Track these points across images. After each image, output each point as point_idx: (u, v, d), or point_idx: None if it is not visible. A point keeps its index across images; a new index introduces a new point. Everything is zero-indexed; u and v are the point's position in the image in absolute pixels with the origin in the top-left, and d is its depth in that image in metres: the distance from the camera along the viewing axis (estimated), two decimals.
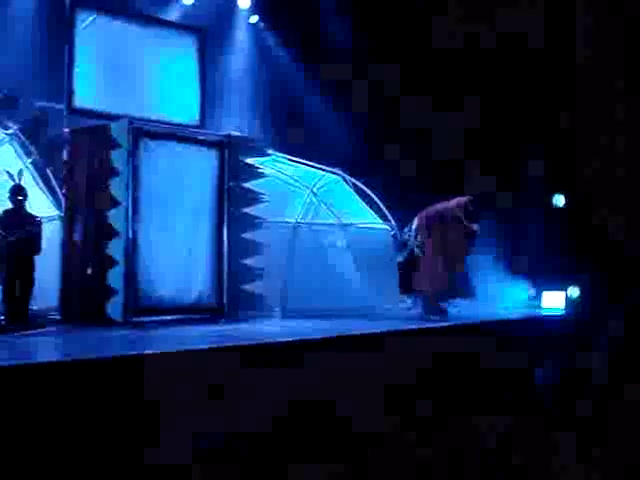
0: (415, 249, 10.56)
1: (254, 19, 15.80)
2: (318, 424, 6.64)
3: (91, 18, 9.85)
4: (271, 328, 9.33)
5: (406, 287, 10.82)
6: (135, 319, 8.95)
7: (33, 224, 8.76)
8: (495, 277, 12.29)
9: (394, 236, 11.86)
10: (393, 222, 12.11)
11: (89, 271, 9.10)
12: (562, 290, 12.58)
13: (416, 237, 10.62)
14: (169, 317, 9.26)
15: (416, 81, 13.80)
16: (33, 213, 8.97)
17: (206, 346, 6.95)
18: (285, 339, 7.60)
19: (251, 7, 15.53)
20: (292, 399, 6.57)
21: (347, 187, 12.30)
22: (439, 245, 10.35)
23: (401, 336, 8.53)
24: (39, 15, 12.42)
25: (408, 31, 13.86)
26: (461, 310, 10.77)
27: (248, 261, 10.13)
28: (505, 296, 12.45)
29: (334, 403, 6.84)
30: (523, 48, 12.87)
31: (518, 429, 7.01)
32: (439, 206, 10.62)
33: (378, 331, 8.45)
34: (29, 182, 9.64)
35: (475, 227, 10.38)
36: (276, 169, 11.63)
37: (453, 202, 10.53)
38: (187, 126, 10.31)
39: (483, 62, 13.36)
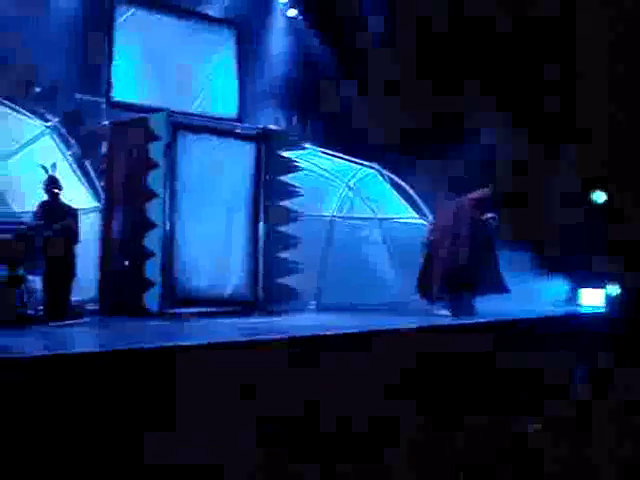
0: (426, 247, 10.52)
1: (292, 12, 15.79)
2: (347, 420, 6.64)
3: (130, 12, 9.95)
4: (305, 322, 9.34)
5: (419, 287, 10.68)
6: (171, 311, 9.03)
7: (69, 215, 8.86)
8: (530, 274, 12.15)
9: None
10: (430, 216, 12.04)
11: (126, 263, 9.20)
12: (601, 288, 12.38)
13: (430, 234, 10.59)
14: (204, 309, 9.32)
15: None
16: (69, 204, 9.08)
17: (241, 339, 6.98)
18: (319, 333, 7.60)
19: (289, 0, 15.53)
20: (322, 394, 6.57)
21: (383, 181, 12.26)
22: (448, 242, 10.22)
23: (433, 332, 8.47)
24: (79, 9, 12.55)
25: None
26: (497, 306, 10.66)
27: (283, 254, 10.15)
28: (541, 293, 12.30)
29: (364, 399, 6.83)
30: None
31: (553, 429, 6.93)
32: (455, 201, 10.52)
33: (413, 327, 8.40)
34: (68, 174, 9.77)
35: (489, 215, 10.19)
36: (312, 163, 11.63)
37: (469, 195, 10.42)
38: (225, 119, 10.37)
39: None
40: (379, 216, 11.59)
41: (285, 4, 15.60)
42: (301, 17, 15.74)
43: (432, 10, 13.73)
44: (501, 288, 10.22)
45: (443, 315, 10.04)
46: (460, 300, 10.16)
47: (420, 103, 14.08)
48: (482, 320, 9.53)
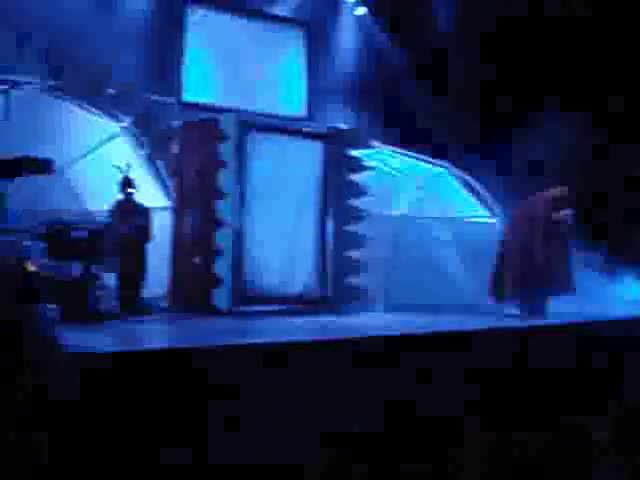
0: (500, 247, 10.32)
1: (361, 11, 15.75)
2: (414, 423, 6.56)
3: (201, 13, 10.05)
4: (374, 321, 9.28)
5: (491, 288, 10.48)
6: (240, 308, 9.09)
7: (143, 214, 9.03)
8: (604, 273, 11.83)
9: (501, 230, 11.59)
10: (501, 216, 11.83)
11: (197, 260, 9.30)
12: None
13: (503, 234, 10.40)
14: (273, 307, 9.36)
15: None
16: (143, 203, 9.24)
17: (310, 338, 6.97)
18: (387, 333, 7.53)
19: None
20: (391, 396, 6.50)
21: (453, 180, 12.10)
22: (521, 242, 10.00)
23: (502, 334, 8.30)
24: (151, 10, 12.76)
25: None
26: (570, 308, 10.40)
27: (352, 254, 10.11)
28: (615, 293, 11.96)
29: (432, 401, 6.74)
30: None
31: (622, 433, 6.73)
32: (529, 200, 10.28)
33: (483, 328, 8.25)
34: (141, 174, 9.93)
35: (564, 214, 9.92)
36: (381, 161, 11.56)
37: (544, 194, 10.17)
38: (294, 119, 10.38)
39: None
40: (449, 215, 11.44)
41: (353, 2, 15.58)
42: (370, 15, 15.69)
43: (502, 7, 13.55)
44: (573, 289, 9.99)
45: (514, 315, 9.85)
46: (532, 301, 9.95)
47: (488, 101, 13.92)
48: (556, 322, 9.31)
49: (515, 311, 9.98)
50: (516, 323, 9.25)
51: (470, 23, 14.21)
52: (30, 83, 9.25)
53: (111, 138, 10.26)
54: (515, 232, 10.20)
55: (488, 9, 13.73)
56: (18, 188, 7.52)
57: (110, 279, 8.81)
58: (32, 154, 7.16)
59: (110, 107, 10.26)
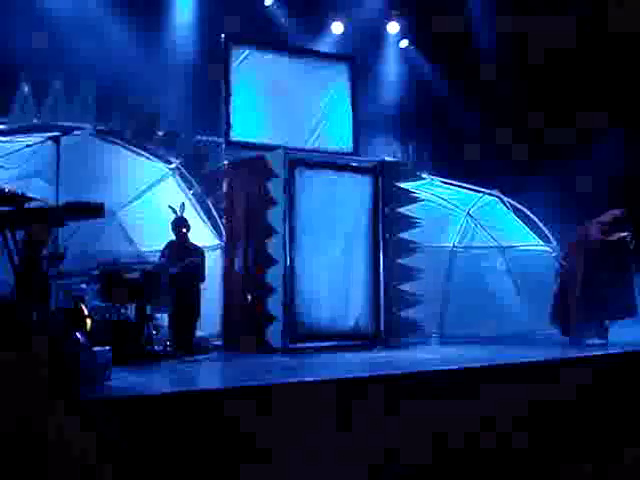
0: (560, 274, 10.10)
1: (404, 43, 15.80)
2: (474, 455, 6.40)
3: (245, 53, 10.17)
4: (429, 355, 9.13)
5: (554, 316, 10.23)
6: (293, 346, 9.04)
7: (196, 254, 9.09)
8: None
9: (556, 258, 11.37)
10: (555, 243, 11.62)
11: (249, 298, 9.30)
12: None
13: (563, 261, 10.17)
14: (326, 344, 9.29)
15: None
16: (196, 243, 9.31)
17: (365, 374, 6.87)
18: (444, 367, 7.39)
19: (400, 32, 15.56)
20: (449, 429, 6.37)
21: (505, 208, 11.95)
22: (579, 268, 9.77)
23: (564, 365, 8.08)
24: (195, 53, 13.00)
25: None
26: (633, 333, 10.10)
27: (404, 287, 10.01)
28: None
29: (495, 434, 6.58)
30: None
31: None
32: (585, 226, 10.06)
33: (541, 359, 8.05)
34: (191, 213, 10.02)
35: (622, 236, 9.67)
36: (431, 192, 11.48)
37: (600, 218, 9.94)
38: (341, 153, 10.39)
39: None
40: (502, 244, 11.28)
41: (396, 35, 15.64)
42: (413, 47, 15.73)
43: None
44: (634, 313, 9.72)
45: (576, 344, 9.60)
46: (593, 328, 9.71)
47: (536, 123, 13.78)
48: (619, 350, 9.02)
49: (577, 340, 9.74)
50: (579, 352, 9.00)
51: (517, 53, 14.14)
52: (80, 129, 9.46)
53: (161, 180, 10.39)
54: (572, 259, 10.00)
55: (536, 40, 13.65)
56: (72, 231, 7.65)
57: (164, 319, 8.87)
58: (84, 199, 7.26)
59: (160, 149, 10.43)
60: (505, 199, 12.00)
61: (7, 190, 6.72)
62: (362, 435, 5.95)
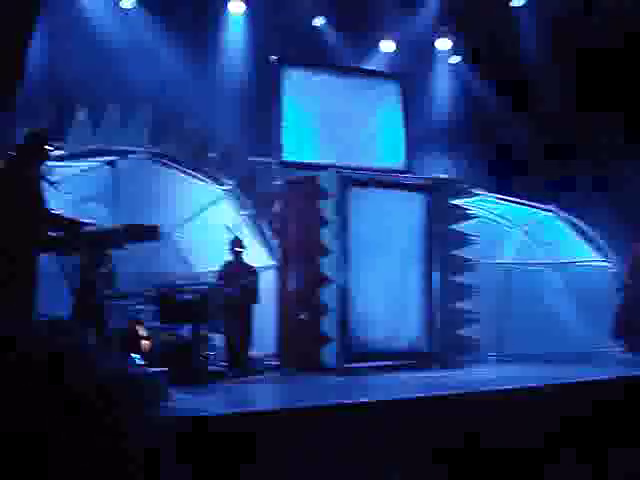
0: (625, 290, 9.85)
1: (455, 59, 15.73)
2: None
3: (295, 74, 10.22)
4: (487, 375, 8.99)
5: (619, 331, 9.98)
6: (348, 366, 8.98)
7: (251, 274, 9.14)
8: None
9: (616, 273, 11.12)
10: (614, 259, 11.36)
11: (302, 316, 9.29)
12: None
13: (628, 276, 9.93)
14: (381, 363, 9.21)
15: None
16: (251, 264, 9.35)
17: (423, 394, 6.79)
18: (503, 387, 7.25)
19: (451, 48, 15.50)
20: (510, 448, 6.24)
21: (562, 224, 11.73)
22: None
23: (629, 382, 7.86)
24: (247, 75, 13.15)
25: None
26: None
27: (460, 305, 9.89)
28: None
29: (557, 453, 6.43)
30: None
31: None
32: None
33: (605, 378, 7.85)
34: (245, 234, 10.08)
35: None
36: (485, 209, 11.34)
37: None
38: (393, 171, 10.34)
39: None
40: (559, 261, 11.07)
41: (447, 51, 15.58)
42: (463, 63, 15.64)
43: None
44: None
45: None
46: None
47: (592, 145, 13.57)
48: None
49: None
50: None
51: (567, 68, 13.95)
52: (135, 152, 9.61)
53: (215, 201, 10.49)
54: (634, 274, 9.79)
55: (587, 56, 13.45)
56: (128, 253, 7.75)
57: (219, 340, 8.92)
58: (139, 221, 7.37)
59: (214, 171, 10.54)
60: (562, 214, 11.79)
61: (65, 215, 6.86)
62: (420, 455, 5.87)
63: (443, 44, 15.43)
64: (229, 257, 9.26)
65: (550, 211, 11.77)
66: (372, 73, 11.82)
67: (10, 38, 5.07)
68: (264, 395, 7.91)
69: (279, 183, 9.93)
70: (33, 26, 5.78)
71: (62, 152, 8.89)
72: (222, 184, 10.57)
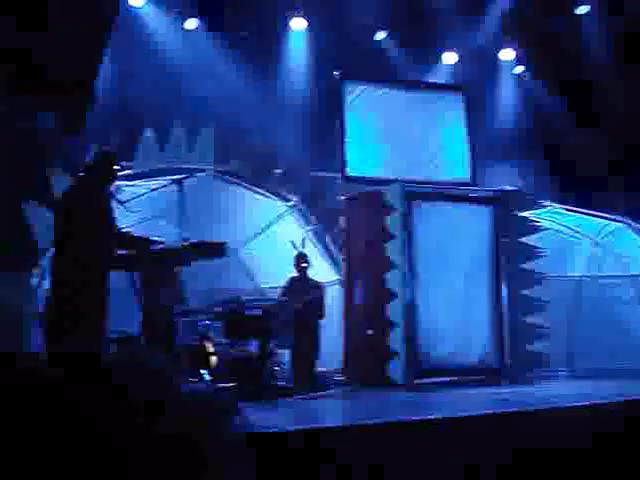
0: None
1: (519, 69, 15.54)
2: None
3: (359, 89, 10.22)
4: (558, 390, 8.77)
5: None
6: (415, 381, 8.89)
7: (316, 290, 9.14)
8: None
9: None
10: None
11: (369, 332, 9.24)
12: None
13: None
14: (449, 379, 9.09)
15: None
16: (315, 279, 9.36)
17: (492, 411, 6.65)
18: (576, 403, 7.06)
19: (515, 58, 15.32)
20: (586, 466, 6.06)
21: (634, 235, 11.42)
22: None
23: None
24: (310, 91, 13.21)
25: None
26: None
27: (529, 319, 9.69)
28: None
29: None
30: None
31: None
32: None
33: None
34: (310, 249, 10.10)
35: None
36: (554, 221, 11.12)
37: None
38: (458, 184, 10.23)
39: None
40: (632, 273, 10.77)
41: (511, 62, 15.40)
42: (528, 73, 15.44)
43: None
44: None
45: None
46: None
47: None
48: None
49: None
50: None
51: (636, 76, 13.63)
52: (201, 171, 9.75)
53: (280, 217, 10.56)
54: None
55: None
56: (196, 269, 7.85)
57: (285, 355, 8.93)
58: (207, 238, 7.47)
59: (278, 187, 10.62)
60: (635, 225, 11.47)
61: (134, 233, 6.99)
62: (488, 473, 5.76)
63: (507, 54, 15.26)
64: (294, 273, 9.29)
65: (621, 222, 11.47)
66: (435, 86, 11.77)
67: (82, 63, 5.20)
68: (330, 411, 7.87)
69: (344, 198, 9.93)
70: (103, 51, 5.93)
71: (130, 171, 9.08)
72: (287, 200, 10.63)
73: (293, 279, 9.26)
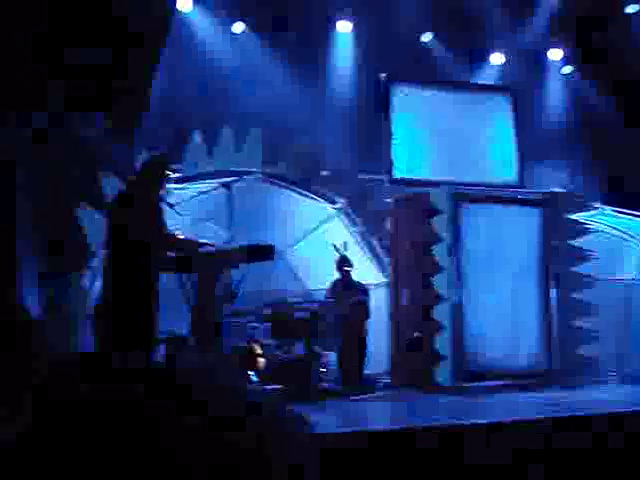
0: None
1: (567, 69, 15.34)
2: None
3: (405, 90, 10.19)
4: (608, 395, 8.64)
5: None
6: (462, 385, 8.83)
7: (361, 292, 9.14)
8: None
9: None
10: None
11: (416, 334, 9.21)
12: None
13: None
14: (497, 383, 9.00)
15: None
16: (360, 281, 9.36)
17: (542, 415, 6.59)
18: (626, 409, 6.95)
19: (563, 58, 15.14)
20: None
21: None
22: None
23: None
24: (356, 93, 13.22)
25: None
26: None
27: (579, 323, 9.56)
28: None
29: None
30: None
31: None
32: None
33: None
34: (356, 252, 10.11)
35: None
36: (605, 223, 10.96)
37: None
38: (506, 186, 10.13)
39: None
40: None
41: (559, 61, 15.22)
42: (577, 73, 15.23)
43: None
44: None
45: None
46: None
47: None
48: None
49: None
50: None
51: None
52: (249, 173, 9.82)
53: (327, 219, 10.57)
54: None
55: None
56: (244, 271, 7.92)
57: (332, 357, 8.95)
58: (254, 240, 7.53)
59: (325, 189, 10.63)
60: None
61: (183, 236, 7.08)
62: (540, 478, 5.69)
63: (555, 54, 15.08)
64: (338, 275, 9.31)
65: None
66: (482, 87, 11.68)
67: (139, 72, 5.29)
68: (377, 414, 7.87)
69: (390, 200, 9.91)
70: (159, 59, 6.01)
71: (180, 175, 9.19)
72: (333, 202, 10.64)
73: (337, 281, 9.28)
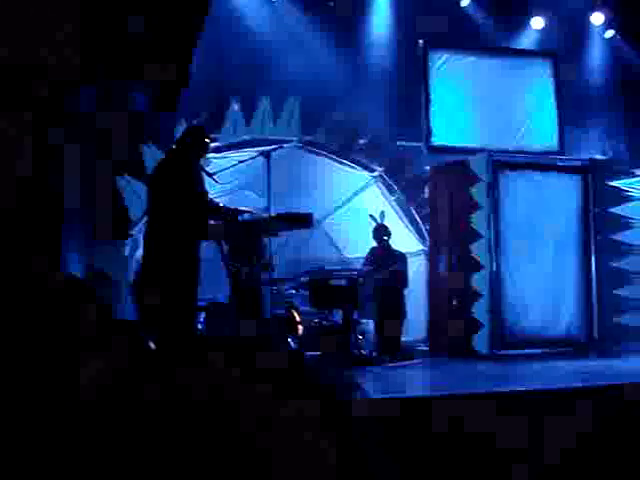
0: None
1: (610, 33, 15.01)
2: None
3: (444, 57, 10.10)
4: None
5: None
6: (501, 352, 8.84)
7: (399, 260, 9.17)
8: None
9: None
10: None
11: (454, 303, 9.22)
12: None
13: None
14: (535, 351, 9.00)
15: None
16: (398, 249, 9.37)
17: (580, 384, 6.59)
18: None
19: (605, 22, 14.79)
20: None
21: None
22: None
23: None
24: (394, 59, 13.08)
25: None
26: None
27: (619, 291, 9.49)
28: None
29: None
30: None
31: None
32: None
33: None
34: (394, 220, 10.11)
35: None
36: None
37: None
38: (546, 153, 10.03)
39: None
40: None
41: (601, 26, 14.89)
42: (619, 37, 14.89)
43: None
44: None
45: None
46: None
47: None
48: None
49: None
50: None
51: None
52: (287, 142, 9.83)
53: (365, 187, 10.57)
54: None
55: None
56: (282, 239, 7.98)
57: (370, 325, 9.01)
58: (292, 209, 7.58)
59: (363, 157, 10.61)
60: None
61: (223, 204, 7.15)
62: (577, 447, 5.70)
63: (597, 18, 14.75)
64: (375, 244, 9.34)
65: None
66: (522, 52, 11.49)
67: (180, 45, 5.31)
68: (416, 381, 7.93)
69: (428, 167, 9.88)
70: (199, 34, 6.02)
71: (218, 144, 9.24)
72: (371, 170, 10.63)
73: (375, 249, 9.30)
